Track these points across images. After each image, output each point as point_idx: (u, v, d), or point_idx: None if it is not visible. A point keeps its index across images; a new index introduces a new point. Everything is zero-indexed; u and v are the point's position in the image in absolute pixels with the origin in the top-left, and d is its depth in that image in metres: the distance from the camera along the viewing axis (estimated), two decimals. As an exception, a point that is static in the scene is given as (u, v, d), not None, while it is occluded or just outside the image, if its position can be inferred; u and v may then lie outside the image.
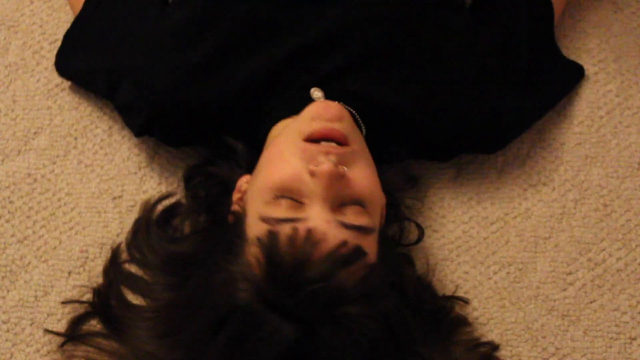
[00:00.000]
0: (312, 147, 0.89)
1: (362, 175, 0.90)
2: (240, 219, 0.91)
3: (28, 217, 1.11)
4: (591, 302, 1.09)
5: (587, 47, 1.21)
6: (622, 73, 1.20)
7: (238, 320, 0.80)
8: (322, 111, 0.93)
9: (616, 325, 1.07)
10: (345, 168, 0.87)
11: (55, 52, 1.17)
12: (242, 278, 0.81)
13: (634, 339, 1.07)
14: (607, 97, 1.19)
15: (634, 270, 1.10)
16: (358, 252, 0.83)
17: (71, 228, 1.11)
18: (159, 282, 0.97)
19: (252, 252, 0.83)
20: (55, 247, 1.10)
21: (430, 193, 1.13)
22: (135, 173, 1.13)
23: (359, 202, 0.88)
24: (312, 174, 0.86)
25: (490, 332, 1.07)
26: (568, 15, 1.22)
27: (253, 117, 1.02)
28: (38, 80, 1.18)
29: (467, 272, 1.10)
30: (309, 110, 0.94)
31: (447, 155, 1.11)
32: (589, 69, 1.19)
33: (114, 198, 1.12)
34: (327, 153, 0.88)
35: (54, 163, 1.14)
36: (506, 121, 1.08)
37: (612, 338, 1.07)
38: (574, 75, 1.18)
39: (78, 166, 1.14)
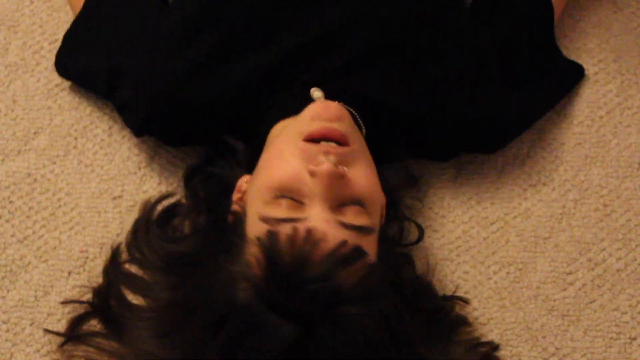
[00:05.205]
0: (312, 146, 0.89)
1: (362, 175, 0.90)
2: (240, 219, 0.91)
3: (28, 217, 1.11)
4: (591, 302, 1.09)
5: (587, 47, 1.21)
6: (622, 73, 1.20)
7: (238, 319, 0.80)
8: (321, 111, 0.93)
9: (616, 325, 1.07)
10: (345, 168, 0.87)
11: (55, 52, 1.17)
12: (242, 278, 0.82)
13: (634, 339, 1.07)
14: (607, 97, 1.19)
15: (634, 270, 1.10)
16: (358, 252, 0.83)
17: (71, 228, 1.11)
18: (158, 282, 0.97)
19: (252, 252, 0.83)
20: (55, 247, 1.10)
21: (430, 193, 1.13)
22: (135, 173, 1.13)
23: (358, 202, 0.88)
24: (312, 173, 0.86)
25: (490, 332, 1.07)
26: (568, 15, 1.22)
27: (253, 116, 1.02)
28: (38, 80, 1.18)
29: (467, 272, 1.10)
30: (309, 110, 0.94)
31: (447, 154, 1.11)
32: (589, 69, 1.19)
33: (114, 198, 1.12)
34: (327, 153, 0.88)
35: (54, 163, 1.14)
36: (506, 121, 1.08)
37: (612, 338, 1.07)
38: (574, 75, 1.18)
39: (78, 166, 1.14)
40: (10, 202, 1.12)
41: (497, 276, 1.10)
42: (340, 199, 0.87)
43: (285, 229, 0.83)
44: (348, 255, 0.82)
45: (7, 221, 1.11)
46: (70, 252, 1.09)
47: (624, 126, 1.17)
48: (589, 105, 1.18)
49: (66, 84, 1.17)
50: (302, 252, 0.80)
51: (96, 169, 1.14)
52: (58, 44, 1.18)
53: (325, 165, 0.85)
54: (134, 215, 1.10)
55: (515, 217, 1.13)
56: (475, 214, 1.13)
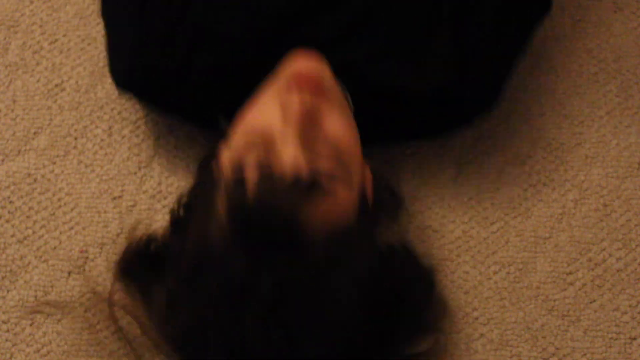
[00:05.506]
0: (287, 87, 0.88)
1: (337, 124, 0.89)
2: (217, 166, 0.92)
3: (28, 217, 1.11)
4: (591, 302, 1.09)
5: (587, 47, 1.21)
6: (622, 73, 1.20)
7: (208, 260, 0.81)
8: (301, 57, 0.92)
9: (616, 325, 1.07)
10: (320, 112, 0.87)
11: (55, 52, 1.17)
12: (215, 222, 0.82)
13: (634, 339, 1.07)
14: (607, 97, 1.19)
15: (634, 270, 1.10)
16: (318, 184, 0.83)
17: (71, 228, 1.11)
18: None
19: (221, 195, 0.84)
20: (55, 247, 1.10)
21: (430, 193, 1.13)
22: (135, 173, 1.13)
23: (332, 149, 0.87)
24: (285, 109, 0.86)
25: (490, 332, 1.07)
26: (568, 15, 1.22)
27: (244, 94, 0.99)
28: (38, 80, 1.18)
29: (467, 272, 1.10)
30: (289, 60, 0.92)
31: (443, 125, 1.08)
32: (589, 69, 1.19)
33: (114, 198, 1.12)
34: (301, 90, 0.87)
35: (54, 163, 1.14)
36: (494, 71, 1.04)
37: (612, 338, 1.07)
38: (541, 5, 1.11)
39: (78, 166, 1.14)
40: (10, 202, 1.12)
41: (497, 276, 1.10)
42: (313, 143, 0.86)
43: (252, 169, 0.83)
44: (309, 186, 0.81)
45: (7, 221, 1.11)
46: (70, 252, 1.09)
47: (624, 126, 1.17)
48: (589, 105, 1.18)
49: (66, 83, 1.17)
50: (265, 188, 0.80)
51: (96, 169, 1.14)
52: (58, 44, 1.18)
53: (299, 103, 0.85)
54: (134, 215, 1.10)
55: (515, 217, 1.13)
56: (475, 214, 1.13)
